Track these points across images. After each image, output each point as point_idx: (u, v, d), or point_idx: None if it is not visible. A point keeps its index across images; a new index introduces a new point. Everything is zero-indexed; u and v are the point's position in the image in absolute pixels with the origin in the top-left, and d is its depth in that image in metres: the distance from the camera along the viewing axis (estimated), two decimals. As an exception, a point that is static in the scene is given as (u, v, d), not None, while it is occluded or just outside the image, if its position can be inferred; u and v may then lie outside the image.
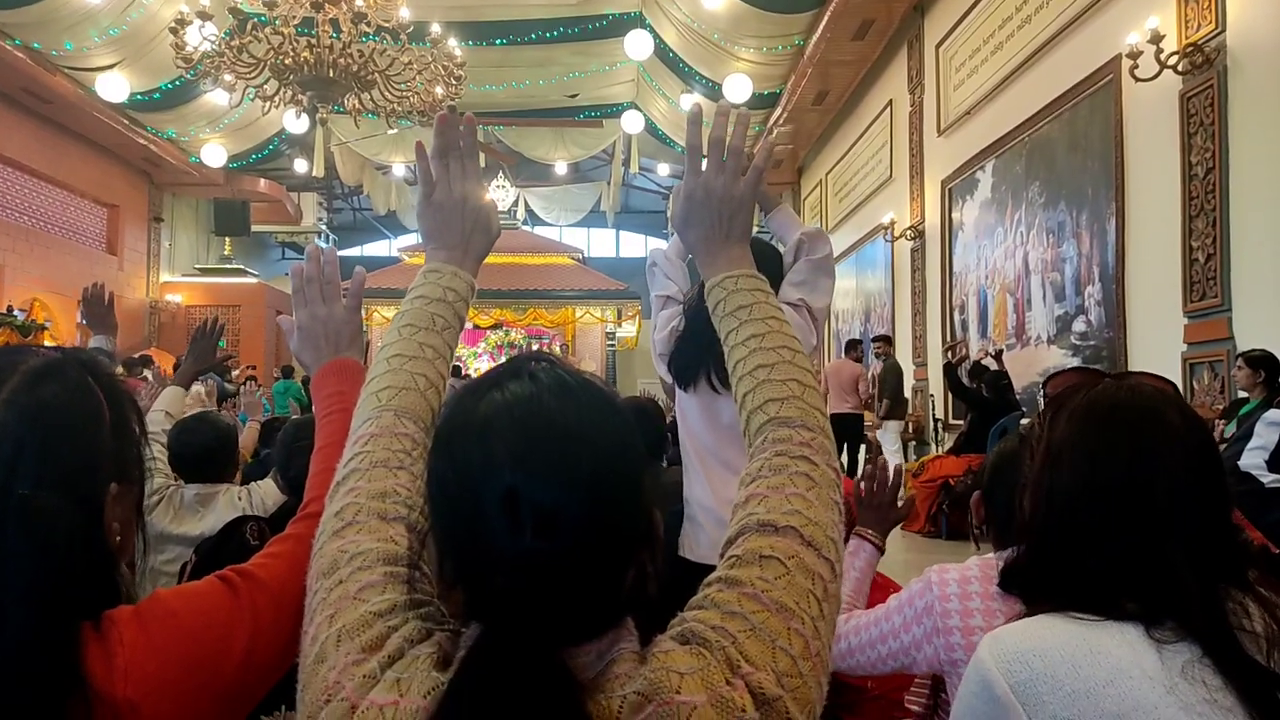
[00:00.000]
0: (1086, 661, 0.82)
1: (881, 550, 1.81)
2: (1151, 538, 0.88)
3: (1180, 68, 5.00)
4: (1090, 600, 0.87)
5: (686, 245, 1.03)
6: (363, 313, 1.27)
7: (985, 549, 1.65)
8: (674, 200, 1.05)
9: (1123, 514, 0.89)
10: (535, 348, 15.84)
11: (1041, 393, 1.17)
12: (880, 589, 1.91)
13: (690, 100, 12.25)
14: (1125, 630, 0.84)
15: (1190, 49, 4.92)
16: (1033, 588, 0.97)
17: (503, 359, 2.46)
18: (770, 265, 2.15)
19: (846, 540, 1.82)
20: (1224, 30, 4.78)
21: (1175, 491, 0.89)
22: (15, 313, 9.90)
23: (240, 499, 2.51)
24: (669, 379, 2.20)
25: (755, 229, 1.12)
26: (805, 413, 0.86)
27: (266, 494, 2.52)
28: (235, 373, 4.75)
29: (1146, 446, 0.91)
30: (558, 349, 15.94)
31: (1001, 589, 1.45)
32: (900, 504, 1.87)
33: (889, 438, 8.69)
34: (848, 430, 8.81)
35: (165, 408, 2.59)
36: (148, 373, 4.91)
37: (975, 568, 1.52)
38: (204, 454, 2.55)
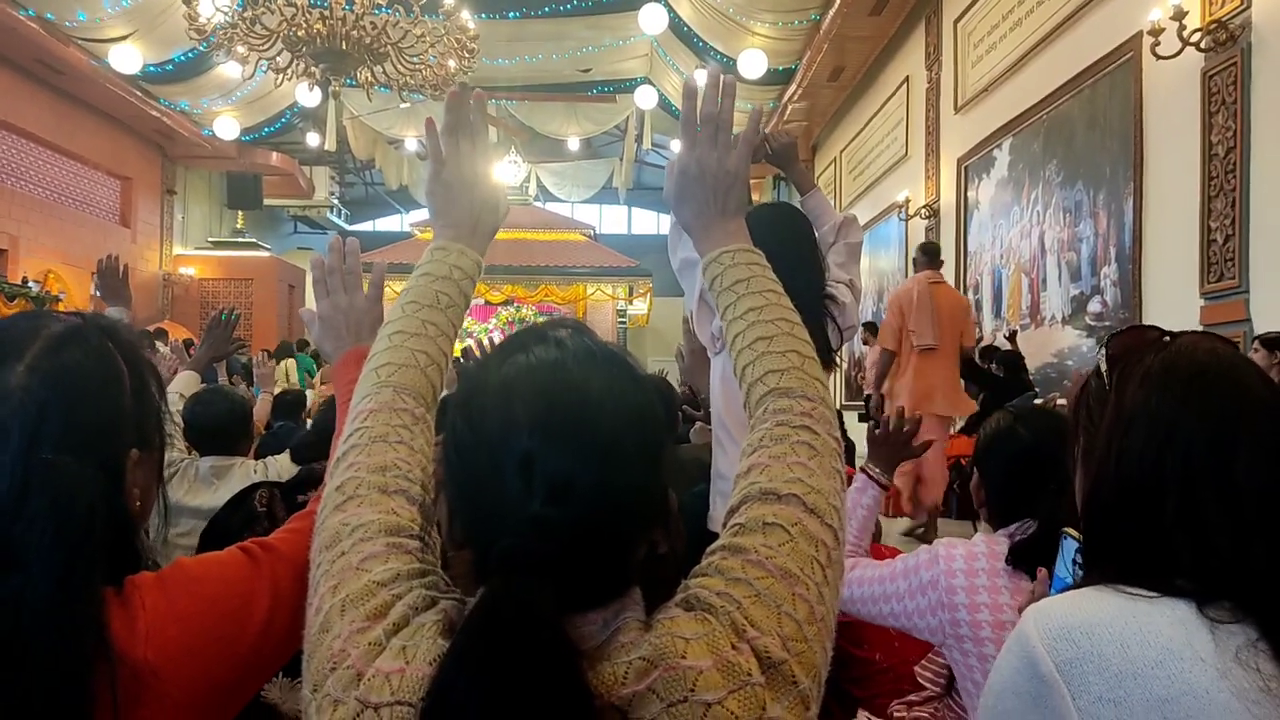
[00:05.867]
0: (1135, 641, 0.78)
1: (887, 488, 1.83)
2: (1226, 510, 0.82)
3: (1203, 45, 4.92)
4: (1145, 574, 0.82)
5: (681, 222, 1.02)
6: (383, 302, 1.28)
7: (986, 529, 1.66)
8: (668, 176, 1.03)
9: (1199, 484, 0.83)
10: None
11: (1102, 353, 1.12)
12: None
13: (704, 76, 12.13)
14: (1178, 607, 0.79)
15: (1214, 26, 4.83)
16: (1087, 560, 0.92)
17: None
18: (803, 222, 2.18)
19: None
20: (1249, 6, 4.69)
21: (1257, 463, 0.82)
22: (30, 284, 9.95)
23: (256, 472, 2.53)
24: (715, 346, 2.20)
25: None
26: (805, 383, 0.86)
27: (283, 468, 2.54)
28: (256, 359, 4.77)
29: (1230, 415, 0.84)
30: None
31: (1011, 565, 1.47)
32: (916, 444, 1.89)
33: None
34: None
35: (180, 390, 2.62)
36: (165, 347, 4.91)
37: (982, 544, 1.54)
38: (218, 426, 2.57)
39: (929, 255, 6.39)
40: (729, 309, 0.94)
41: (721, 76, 0.99)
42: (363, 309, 1.19)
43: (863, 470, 1.84)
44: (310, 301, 1.24)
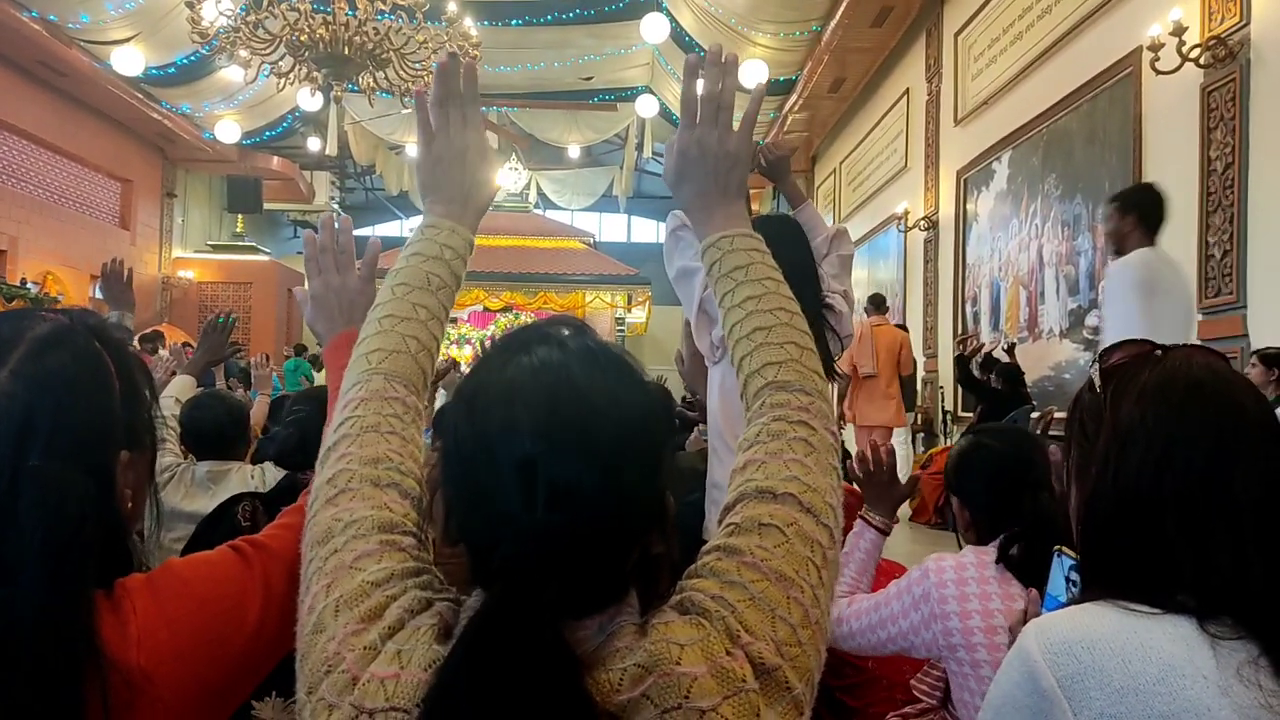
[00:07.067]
0: (1137, 657, 0.77)
1: (886, 532, 1.82)
2: (1227, 525, 0.81)
3: (1202, 61, 4.93)
4: (1145, 590, 0.82)
5: (680, 203, 0.99)
6: (376, 283, 1.27)
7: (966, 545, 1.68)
8: (667, 155, 0.99)
9: (1198, 499, 0.83)
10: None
11: (1095, 367, 1.12)
12: (887, 574, 1.93)
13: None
14: (1179, 624, 0.79)
15: (1213, 42, 4.85)
16: (1085, 575, 0.92)
17: None
18: (803, 235, 2.20)
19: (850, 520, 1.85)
20: (1248, 23, 4.71)
21: (1254, 478, 0.82)
22: (29, 285, 9.94)
23: (253, 477, 2.51)
24: (714, 355, 2.19)
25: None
26: (803, 376, 0.85)
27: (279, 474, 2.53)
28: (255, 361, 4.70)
29: (1228, 430, 0.84)
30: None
31: (1001, 567, 1.49)
32: (904, 482, 1.89)
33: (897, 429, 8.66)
34: None
35: (175, 394, 2.62)
36: (164, 350, 4.91)
37: (970, 554, 1.56)
38: (215, 430, 2.56)
39: (875, 304, 7.96)
40: (727, 296, 0.92)
41: (724, 54, 0.96)
42: (355, 289, 1.16)
43: (862, 518, 1.83)
44: None
